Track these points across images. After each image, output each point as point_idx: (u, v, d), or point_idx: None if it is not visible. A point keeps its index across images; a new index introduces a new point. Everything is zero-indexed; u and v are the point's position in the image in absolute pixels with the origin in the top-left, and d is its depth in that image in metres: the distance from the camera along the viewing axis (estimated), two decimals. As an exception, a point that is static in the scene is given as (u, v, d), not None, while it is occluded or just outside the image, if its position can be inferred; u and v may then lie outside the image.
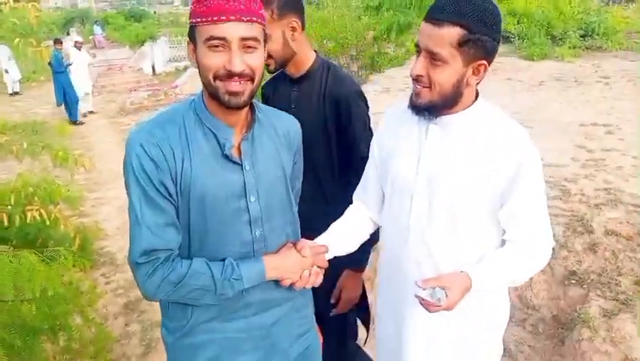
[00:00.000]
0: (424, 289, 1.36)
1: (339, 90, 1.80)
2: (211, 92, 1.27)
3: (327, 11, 12.08)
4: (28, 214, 3.45)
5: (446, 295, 1.35)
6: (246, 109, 1.34)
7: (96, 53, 15.05)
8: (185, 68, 16.52)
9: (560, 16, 9.61)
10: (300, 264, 1.43)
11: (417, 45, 1.35)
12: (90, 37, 25.20)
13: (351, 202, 1.77)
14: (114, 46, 24.03)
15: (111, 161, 7.93)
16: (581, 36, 8.91)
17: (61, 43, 10.91)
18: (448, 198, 1.43)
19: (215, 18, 1.19)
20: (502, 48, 9.31)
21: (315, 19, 11.35)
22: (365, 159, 1.73)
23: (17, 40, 3.58)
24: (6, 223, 3.39)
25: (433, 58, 1.30)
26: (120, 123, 10.65)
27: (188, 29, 1.28)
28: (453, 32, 1.26)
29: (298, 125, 1.53)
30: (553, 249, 1.51)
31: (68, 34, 21.49)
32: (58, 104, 10.85)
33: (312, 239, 1.56)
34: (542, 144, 4.73)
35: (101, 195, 6.47)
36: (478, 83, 1.39)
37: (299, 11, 1.75)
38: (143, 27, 26.18)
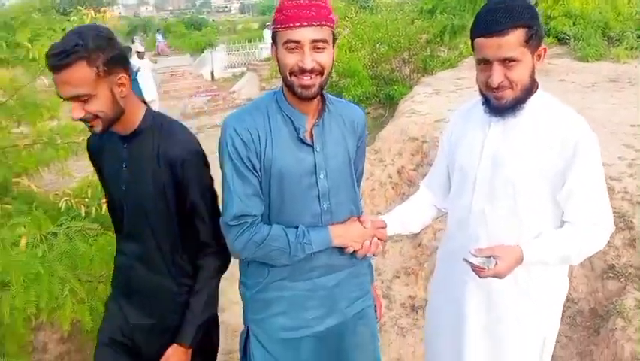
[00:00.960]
0: (476, 257, 1.57)
1: (174, 152, 1.65)
2: (288, 86, 1.54)
3: (381, 15, 12.23)
4: (103, 206, 3.84)
5: (496, 263, 1.53)
6: (317, 99, 1.61)
7: (158, 60, 15.79)
8: (242, 74, 17.09)
9: (619, 17, 9.38)
10: (361, 234, 1.69)
11: (483, 60, 1.56)
12: (156, 45, 26.36)
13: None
14: (175, 53, 25.00)
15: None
16: (639, 37, 8.69)
17: (130, 50, 11.59)
18: (510, 179, 1.62)
19: (291, 24, 1.46)
20: (556, 49, 9.22)
21: (369, 24, 11.52)
22: (207, 225, 1.72)
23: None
24: (83, 213, 3.80)
25: (509, 61, 1.52)
26: (182, 126, 11.18)
27: (272, 34, 1.56)
28: (519, 34, 1.49)
29: (363, 114, 1.79)
30: None
31: (133, 42, 22.62)
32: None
33: None
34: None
35: None
36: None
37: (126, 66, 1.63)
38: (202, 35, 27.16)
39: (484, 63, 1.57)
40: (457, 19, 11.89)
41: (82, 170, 5.53)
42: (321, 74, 1.51)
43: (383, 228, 1.79)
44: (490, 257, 1.54)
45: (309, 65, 1.47)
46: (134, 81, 8.70)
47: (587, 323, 3.15)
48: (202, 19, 40.98)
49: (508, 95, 1.57)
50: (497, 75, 1.54)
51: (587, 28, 9.01)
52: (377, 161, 5.48)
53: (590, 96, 6.09)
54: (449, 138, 1.90)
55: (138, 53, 12.13)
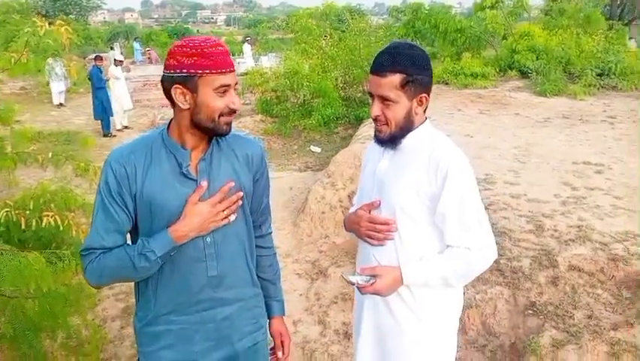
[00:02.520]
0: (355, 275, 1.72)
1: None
2: (210, 127, 1.56)
3: (355, 40, 12.43)
4: (44, 219, 3.81)
5: (374, 282, 1.67)
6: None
7: (131, 69, 15.69)
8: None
9: (581, 54, 9.70)
10: (203, 216, 1.60)
11: (370, 92, 1.73)
12: (146, 51, 26.10)
13: None
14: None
15: (135, 173, 8.36)
16: (598, 75, 8.98)
17: (102, 59, 11.51)
18: (392, 203, 1.74)
19: (223, 70, 1.50)
20: (518, 82, 9.48)
21: (342, 47, 11.70)
22: None
23: (49, 59, 3.98)
24: (23, 226, 3.77)
25: (385, 100, 1.67)
26: (149, 137, 11.12)
27: (176, 75, 1.50)
28: (395, 78, 1.64)
29: (259, 148, 1.78)
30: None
31: (112, 48, 22.45)
32: (96, 119, 11.41)
33: None
34: (530, 178, 4.93)
35: None
36: (425, 110, 1.74)
37: None
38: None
39: (371, 96, 1.73)
40: (427, 47, 12.17)
41: (29, 177, 5.51)
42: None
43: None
44: (372, 276, 1.68)
45: (239, 105, 1.58)
46: (103, 90, 8.62)
47: (506, 359, 3.22)
48: (186, 29, 40.94)
49: (385, 130, 1.72)
50: (374, 109, 1.71)
51: (549, 62, 9.27)
52: (329, 185, 5.55)
53: (540, 131, 6.27)
54: (363, 163, 2.07)
55: (115, 61, 12.03)
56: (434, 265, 1.70)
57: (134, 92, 15.35)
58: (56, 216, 3.90)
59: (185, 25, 47.90)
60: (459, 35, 11.50)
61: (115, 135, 11.36)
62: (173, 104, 1.57)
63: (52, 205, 4.15)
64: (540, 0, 14.74)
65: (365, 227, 1.80)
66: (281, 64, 12.13)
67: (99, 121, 11.31)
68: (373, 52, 11.49)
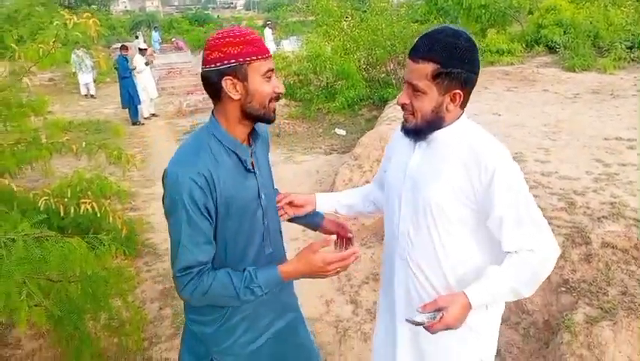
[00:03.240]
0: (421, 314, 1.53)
1: None
2: (258, 115, 1.59)
3: (377, 19, 12.31)
4: (82, 206, 3.94)
5: (442, 316, 1.49)
6: None
7: (155, 58, 15.82)
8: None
9: (609, 28, 9.44)
10: (315, 269, 1.61)
11: (404, 78, 1.61)
12: (172, 40, 26.20)
13: None
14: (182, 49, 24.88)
15: (165, 159, 8.48)
16: (628, 48, 8.74)
17: (127, 48, 11.64)
18: (428, 201, 1.62)
19: (266, 55, 1.54)
20: (546, 58, 9.29)
21: (364, 27, 11.60)
22: None
23: (76, 50, 4.08)
24: (62, 214, 3.90)
25: (415, 89, 1.55)
26: (176, 124, 11.29)
27: (224, 67, 1.51)
28: (427, 67, 1.50)
29: (266, 126, 1.83)
30: None
31: (137, 37, 22.62)
32: (123, 107, 11.60)
33: None
34: (561, 156, 4.87)
35: (152, 191, 6.90)
36: (464, 106, 1.62)
37: None
38: (205, 31, 27.12)
39: (405, 82, 1.61)
40: (450, 23, 11.93)
41: (65, 166, 5.67)
42: None
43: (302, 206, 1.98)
44: (436, 310, 1.52)
45: (283, 88, 1.62)
46: (129, 79, 8.76)
47: (539, 335, 3.24)
48: (207, 15, 40.96)
49: (411, 120, 1.62)
50: (403, 95, 1.61)
51: (577, 37, 9.06)
52: (356, 167, 5.57)
53: (570, 107, 6.16)
54: (387, 153, 1.97)
55: (140, 50, 12.13)
56: (500, 279, 1.55)
57: (159, 79, 15.54)
58: (93, 203, 4.03)
59: (206, 12, 47.90)
60: (483, 11, 11.26)
61: (144, 123, 11.55)
62: (218, 98, 1.59)
63: (88, 193, 4.29)
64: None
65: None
66: (303, 47, 12.10)
67: (127, 110, 11.50)
68: (396, 31, 11.46)
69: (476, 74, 1.55)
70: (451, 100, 1.56)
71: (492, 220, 1.56)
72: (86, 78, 15.03)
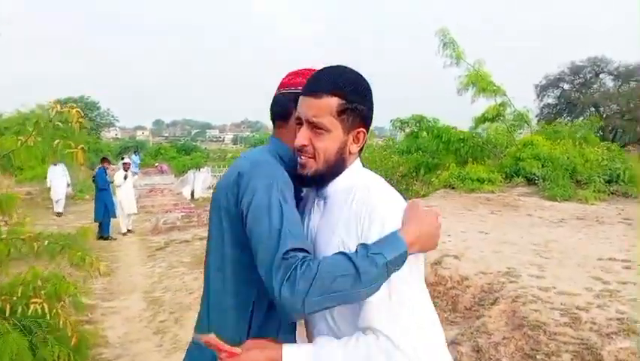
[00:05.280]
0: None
1: None
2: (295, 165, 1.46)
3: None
4: (32, 306, 3.52)
5: (238, 353, 1.24)
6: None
7: (139, 177, 15.90)
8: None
9: (586, 163, 9.75)
10: (434, 226, 1.35)
11: (297, 118, 1.42)
12: (156, 165, 26.73)
13: None
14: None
15: (133, 274, 8.06)
16: (607, 181, 8.95)
17: (109, 161, 11.67)
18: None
19: (305, 93, 1.41)
20: (525, 189, 9.41)
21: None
22: None
23: (57, 141, 3.93)
24: (7, 313, 3.46)
25: (316, 127, 1.36)
26: (150, 241, 10.94)
27: (287, 103, 1.56)
28: (332, 102, 1.34)
29: None
30: None
31: (122, 159, 23.08)
32: (96, 220, 11.28)
33: None
34: (556, 273, 4.62)
35: (114, 305, 6.53)
36: (360, 151, 1.45)
37: None
38: (190, 159, 27.85)
39: (299, 123, 1.42)
40: (430, 158, 12.36)
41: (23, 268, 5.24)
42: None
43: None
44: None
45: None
46: (107, 192, 8.57)
47: None
48: (195, 146, 42.44)
49: (311, 165, 1.40)
50: (302, 136, 1.39)
51: (555, 170, 9.28)
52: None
53: (557, 230, 6.05)
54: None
55: (124, 164, 12.14)
56: (327, 351, 1.27)
57: (140, 197, 15.42)
58: (44, 304, 3.64)
59: (194, 143, 49.67)
60: (462, 145, 11.70)
61: (115, 238, 11.17)
62: (281, 123, 1.58)
63: (42, 292, 3.88)
64: (534, 123, 15.18)
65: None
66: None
67: (98, 224, 11.17)
68: (377, 161, 11.77)
69: (372, 112, 1.43)
70: (354, 140, 1.41)
71: None
72: (58, 194, 14.54)
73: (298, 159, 1.43)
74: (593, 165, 9.63)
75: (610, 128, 22.37)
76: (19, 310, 3.50)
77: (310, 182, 1.44)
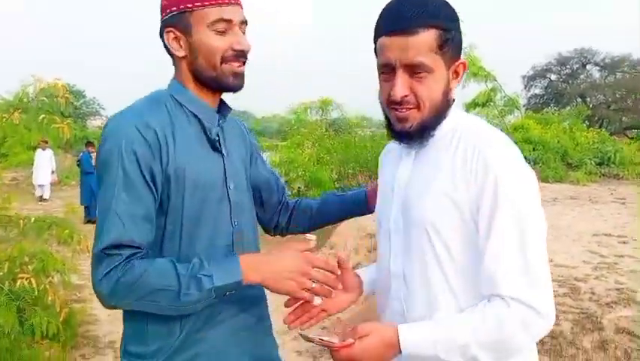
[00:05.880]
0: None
1: None
2: (211, 77, 1.26)
3: (350, 135, 12.57)
4: (19, 281, 3.42)
5: (351, 342, 1.09)
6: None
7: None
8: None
9: (577, 147, 9.79)
10: (296, 267, 1.19)
11: (384, 65, 1.17)
12: None
13: None
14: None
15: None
16: (597, 164, 8.99)
17: (93, 145, 11.48)
18: (420, 224, 1.18)
19: (220, 1, 1.21)
20: (518, 171, 9.45)
21: (338, 142, 11.81)
22: None
23: (42, 116, 3.81)
24: (-7, 287, 3.36)
25: (416, 70, 1.13)
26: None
27: (167, 17, 1.25)
28: (431, 36, 1.11)
29: (243, 123, 1.55)
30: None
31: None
32: (82, 204, 11.12)
33: None
34: (553, 247, 4.58)
35: None
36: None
37: None
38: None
39: (387, 71, 1.17)
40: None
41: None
42: (246, 60, 1.29)
43: (336, 270, 1.28)
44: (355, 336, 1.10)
45: (247, 47, 1.26)
46: (92, 176, 8.42)
47: None
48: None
49: (414, 116, 1.16)
50: (401, 86, 1.14)
51: (546, 153, 9.30)
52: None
53: (551, 209, 6.03)
54: (379, 170, 1.45)
55: None
56: (449, 326, 1.10)
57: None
58: (32, 279, 3.57)
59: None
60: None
61: (102, 222, 11.02)
62: (171, 58, 1.31)
63: (29, 268, 3.81)
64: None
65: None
66: (276, 155, 12.14)
67: (84, 208, 11.01)
68: (368, 147, 11.69)
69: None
70: (454, 75, 1.18)
71: (480, 240, 1.10)
72: (42, 179, 13.98)
73: (393, 113, 1.19)
74: (584, 148, 9.68)
75: (596, 118, 22.63)
76: (6, 285, 3.41)
77: (414, 137, 1.19)
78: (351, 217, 1.67)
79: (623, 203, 6.42)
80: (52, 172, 14.33)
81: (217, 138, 1.30)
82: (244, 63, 1.27)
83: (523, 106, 20.86)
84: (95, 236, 1.16)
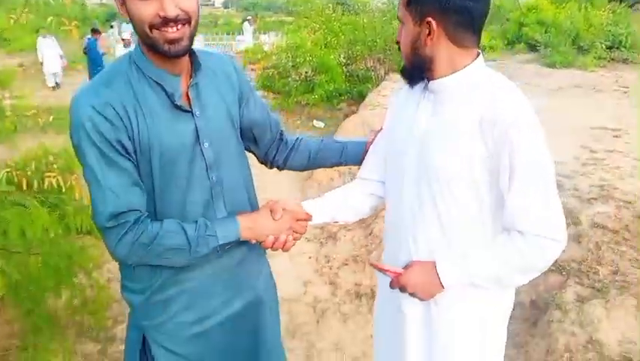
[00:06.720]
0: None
1: None
2: (149, 45, 1.25)
3: (358, 16, 12.20)
4: (46, 180, 3.69)
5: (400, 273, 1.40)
6: (187, 55, 1.33)
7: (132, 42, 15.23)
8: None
9: (590, 28, 9.52)
10: (275, 227, 1.44)
11: None
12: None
13: None
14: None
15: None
16: (608, 47, 8.83)
17: (99, 32, 11.29)
18: (434, 166, 1.36)
19: None
20: (526, 56, 9.31)
21: (345, 22, 11.50)
22: None
23: (50, 18, 3.85)
24: (25, 187, 3.65)
25: (399, 22, 1.36)
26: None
27: None
28: None
29: (232, 61, 1.54)
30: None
31: (112, 27, 22.05)
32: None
33: None
34: (547, 141, 4.75)
35: None
36: (469, 45, 1.31)
37: None
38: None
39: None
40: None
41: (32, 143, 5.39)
42: (189, 22, 1.24)
43: (304, 220, 1.53)
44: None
45: (172, 12, 1.19)
46: (98, 65, 8.38)
47: (525, 316, 3.11)
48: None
49: (403, 59, 1.41)
50: (398, 33, 1.41)
51: (557, 36, 9.11)
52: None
53: (554, 99, 6.14)
54: (389, 114, 1.63)
55: (124, 40, 11.62)
56: (480, 259, 1.33)
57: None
58: (59, 178, 3.79)
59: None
60: (465, 9, 11.27)
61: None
62: None
63: (54, 166, 4.03)
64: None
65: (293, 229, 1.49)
66: (282, 39, 11.93)
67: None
68: (377, 28, 11.39)
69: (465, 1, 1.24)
70: (430, 33, 1.29)
71: (502, 182, 1.28)
72: (52, 67, 13.77)
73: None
74: (597, 30, 9.41)
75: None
76: (35, 184, 3.67)
77: (405, 77, 1.44)
78: (346, 165, 1.77)
79: (625, 92, 6.49)
80: (61, 57, 14.11)
81: (182, 104, 1.32)
82: (183, 25, 1.23)
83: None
84: (92, 212, 1.29)
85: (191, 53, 1.35)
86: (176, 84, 1.31)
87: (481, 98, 1.29)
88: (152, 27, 1.21)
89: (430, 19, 1.27)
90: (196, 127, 1.34)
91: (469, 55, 1.32)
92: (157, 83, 1.29)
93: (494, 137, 1.24)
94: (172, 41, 1.22)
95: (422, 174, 1.38)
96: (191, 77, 1.35)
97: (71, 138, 1.26)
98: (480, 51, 1.36)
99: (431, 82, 1.36)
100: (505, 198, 1.28)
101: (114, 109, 1.23)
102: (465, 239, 1.38)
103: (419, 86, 1.44)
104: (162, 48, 1.23)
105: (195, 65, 1.36)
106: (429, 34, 1.29)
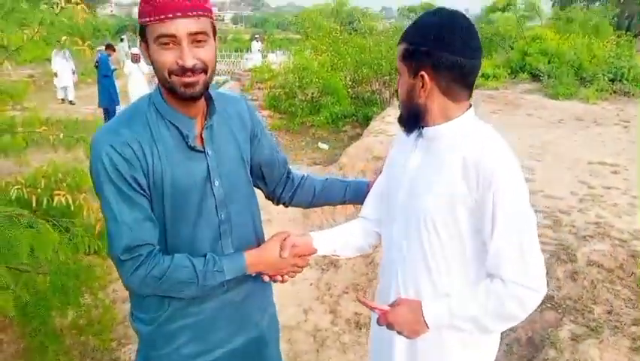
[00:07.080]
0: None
1: None
2: (168, 88, 1.33)
3: (365, 38, 12.38)
4: (56, 198, 3.77)
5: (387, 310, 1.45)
6: (203, 99, 1.42)
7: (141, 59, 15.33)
8: (225, 82, 17.03)
9: (593, 60, 9.67)
10: (280, 263, 1.53)
11: None
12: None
13: None
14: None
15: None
16: (610, 80, 8.95)
17: (113, 48, 11.39)
18: (421, 204, 1.43)
19: (162, 16, 1.24)
20: (529, 85, 9.43)
21: (352, 44, 11.66)
22: None
23: (64, 37, 3.97)
24: (34, 205, 3.73)
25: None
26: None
27: (139, 30, 1.33)
28: (400, 48, 1.40)
29: (245, 102, 1.62)
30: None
31: (122, 40, 22.24)
32: (100, 106, 11.25)
33: None
34: (546, 176, 4.89)
35: None
36: (458, 99, 1.39)
37: None
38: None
39: None
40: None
41: (41, 161, 5.48)
42: (205, 71, 1.32)
43: (306, 255, 1.61)
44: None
45: (189, 62, 1.27)
46: (110, 79, 8.44)
47: (522, 352, 3.18)
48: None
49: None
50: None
51: (560, 67, 9.24)
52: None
53: (554, 131, 6.23)
54: (389, 156, 1.71)
55: (133, 55, 11.69)
56: (462, 301, 1.38)
57: (150, 84, 15.19)
58: (67, 196, 3.86)
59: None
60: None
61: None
62: None
63: (63, 185, 4.11)
64: (549, 8, 14.69)
65: (294, 264, 1.56)
66: (290, 59, 12.10)
67: (104, 111, 11.17)
68: (383, 51, 11.57)
69: (457, 56, 1.31)
70: (422, 86, 1.37)
71: (484, 232, 1.35)
72: (63, 81, 13.93)
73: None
74: (600, 61, 9.55)
75: (626, 15, 21.64)
76: (45, 202, 3.74)
77: (401, 124, 1.51)
78: (350, 204, 1.87)
79: (626, 126, 6.58)
80: (73, 72, 14.21)
81: (195, 145, 1.40)
82: (200, 74, 1.30)
83: (551, 0, 19.97)
84: (108, 244, 1.37)
85: (208, 97, 1.45)
86: (191, 126, 1.40)
87: (471, 143, 1.35)
88: (170, 73, 1.29)
89: (423, 73, 1.35)
90: (208, 166, 1.42)
91: (460, 108, 1.41)
92: (173, 124, 1.39)
93: (478, 181, 1.31)
94: (188, 85, 1.30)
95: (410, 214, 1.46)
96: (206, 119, 1.44)
97: (90, 172, 1.36)
98: (471, 103, 1.45)
99: (425, 129, 1.45)
100: (487, 245, 1.34)
101: (132, 148, 1.33)
102: (448, 281, 1.44)
103: (415, 132, 1.52)
104: (179, 90, 1.31)
105: (211, 108, 1.45)
106: (422, 87, 1.37)
